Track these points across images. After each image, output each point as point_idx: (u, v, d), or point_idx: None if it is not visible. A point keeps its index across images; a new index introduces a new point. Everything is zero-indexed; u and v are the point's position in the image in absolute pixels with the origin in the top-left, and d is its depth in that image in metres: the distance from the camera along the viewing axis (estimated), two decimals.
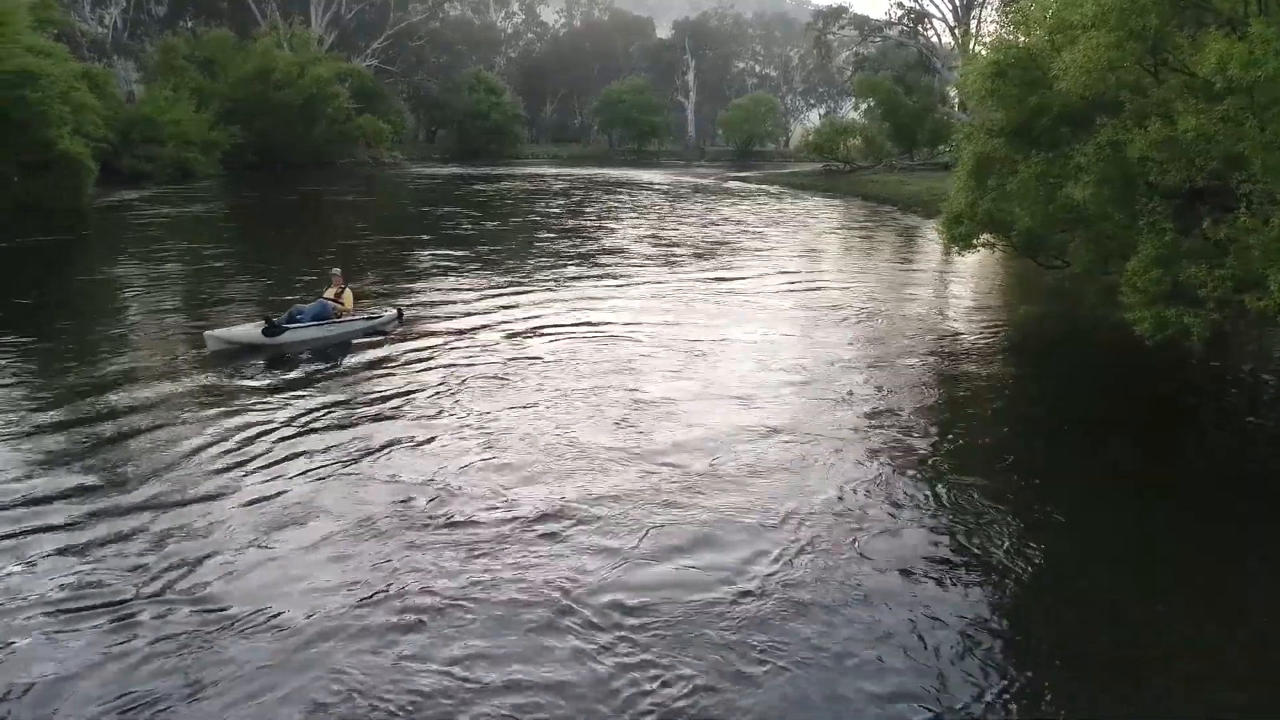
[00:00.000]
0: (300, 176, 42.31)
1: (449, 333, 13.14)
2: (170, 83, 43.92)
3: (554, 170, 55.74)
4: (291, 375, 10.96)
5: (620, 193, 39.50)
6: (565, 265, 19.54)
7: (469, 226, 26.35)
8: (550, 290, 16.47)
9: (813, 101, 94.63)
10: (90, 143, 27.33)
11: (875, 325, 14.30)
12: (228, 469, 7.87)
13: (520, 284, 17.09)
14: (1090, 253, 10.31)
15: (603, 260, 20.29)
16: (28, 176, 24.69)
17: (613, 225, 27.10)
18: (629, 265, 19.68)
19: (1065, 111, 10.42)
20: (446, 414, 9.43)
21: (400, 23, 65.95)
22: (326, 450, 8.35)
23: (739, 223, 28.52)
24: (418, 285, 17.01)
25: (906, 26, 54.26)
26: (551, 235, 24.76)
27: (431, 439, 8.70)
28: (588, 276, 18.12)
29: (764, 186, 45.92)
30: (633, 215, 30.29)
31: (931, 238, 23.63)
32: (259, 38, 49.98)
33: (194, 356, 11.56)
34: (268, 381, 10.60)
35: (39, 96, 24.41)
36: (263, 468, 7.90)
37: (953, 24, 51.02)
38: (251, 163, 43.59)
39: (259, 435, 8.66)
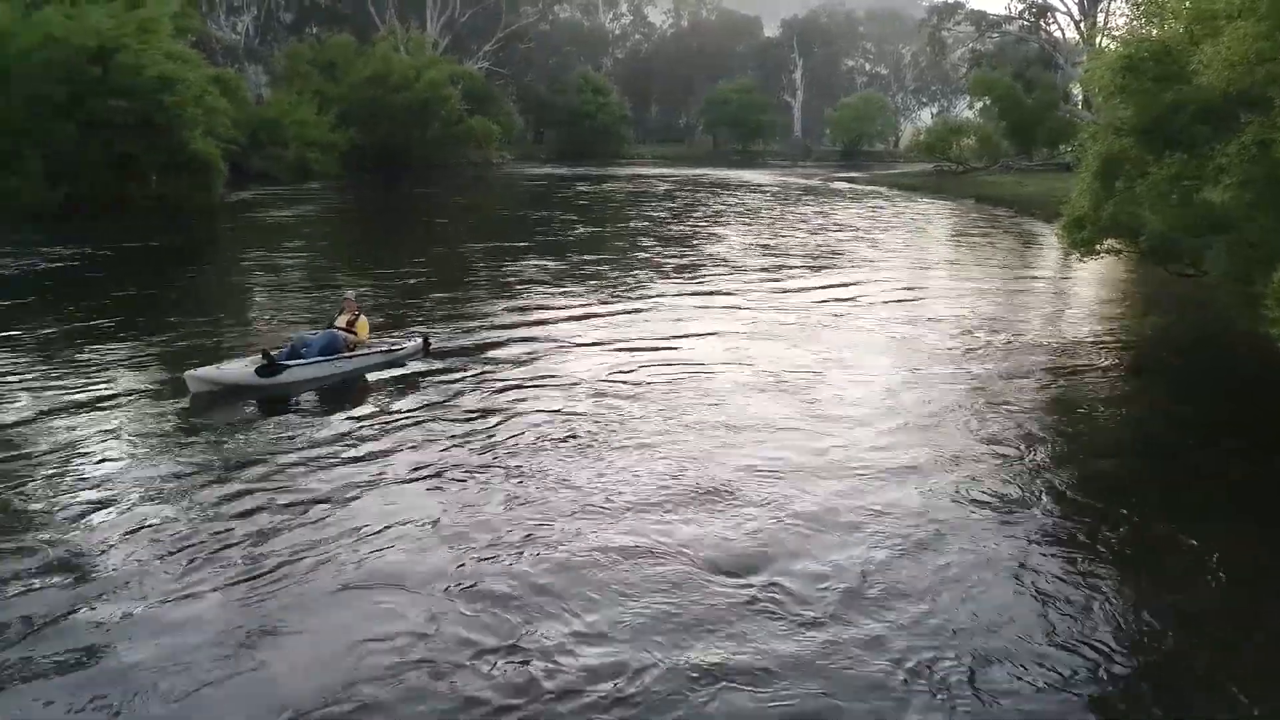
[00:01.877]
0: (412, 177, 43.69)
1: (504, 361, 11.42)
2: (295, 87, 46.13)
3: (658, 171, 55.83)
4: (290, 425, 8.98)
5: (725, 195, 39.13)
6: (662, 276, 18.14)
7: (565, 232, 25.59)
8: (642, 305, 15.08)
9: (924, 100, 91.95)
10: (220, 144, 28.86)
11: (990, 336, 13.23)
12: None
13: (612, 298, 15.64)
14: (1230, 260, 9.53)
15: (703, 270, 19.05)
16: (164, 176, 26.28)
17: (716, 230, 26.37)
18: (730, 275, 18.41)
19: (1204, 108, 9.69)
20: (495, 473, 7.76)
21: (511, 25, 67.36)
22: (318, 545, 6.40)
23: (847, 227, 27.72)
24: (495, 300, 15.44)
25: (1027, 21, 52.00)
26: (651, 242, 23.74)
27: (474, 513, 7.01)
28: (685, 290, 16.68)
29: (872, 188, 44.80)
30: (737, 219, 29.67)
31: (1050, 243, 22.49)
32: (377, 42, 51.93)
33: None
34: (257, 436, 8.68)
35: (176, 101, 25.92)
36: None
37: (1078, 17, 48.56)
38: (367, 163, 45.27)
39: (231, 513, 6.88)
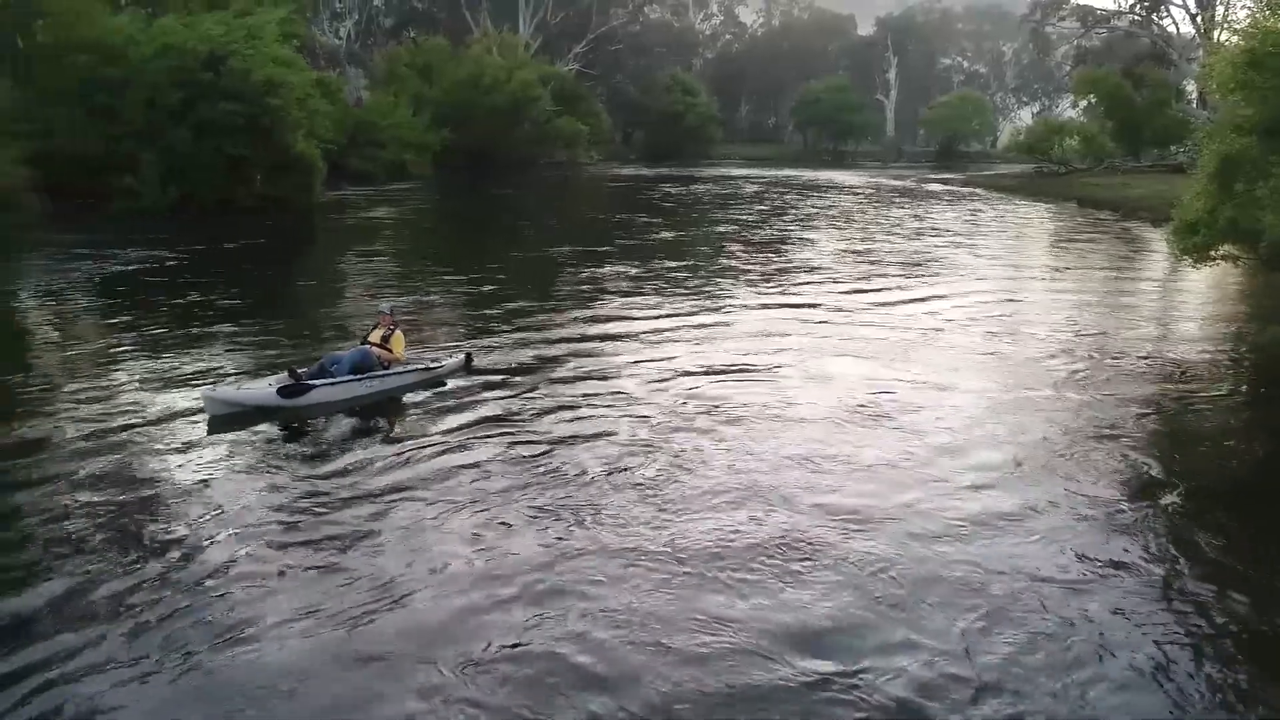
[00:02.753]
0: (501, 177, 44.42)
1: (559, 380, 10.46)
2: (392, 89, 47.50)
3: (747, 171, 55.42)
4: (316, 453, 8.21)
5: (815, 196, 38.50)
6: (746, 285, 17.19)
7: (647, 235, 24.91)
8: (722, 318, 14.10)
9: (1025, 99, 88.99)
10: (321, 145, 29.92)
11: (1094, 353, 12.19)
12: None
13: (690, 309, 14.63)
14: None
15: (789, 278, 17.98)
16: (269, 177, 27.38)
17: (805, 235, 25.58)
18: (818, 284, 17.30)
19: None
20: (539, 514, 6.86)
21: (602, 27, 67.88)
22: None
23: (943, 231, 26.79)
24: (561, 310, 14.59)
25: (1139, 15, 49.63)
26: (736, 247, 22.83)
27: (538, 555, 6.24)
28: (769, 300, 15.66)
29: (969, 189, 43.47)
30: (828, 223, 28.94)
31: (1159, 248, 21.38)
32: (472, 45, 53.05)
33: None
34: (272, 464, 7.93)
35: (281, 104, 26.98)
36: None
37: (1194, 10, 46.03)
38: (458, 163, 46.27)
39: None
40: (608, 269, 18.83)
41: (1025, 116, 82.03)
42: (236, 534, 6.44)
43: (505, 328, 13.17)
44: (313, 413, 9.06)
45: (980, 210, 33.85)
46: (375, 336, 10.16)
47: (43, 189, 22.36)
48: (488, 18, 59.86)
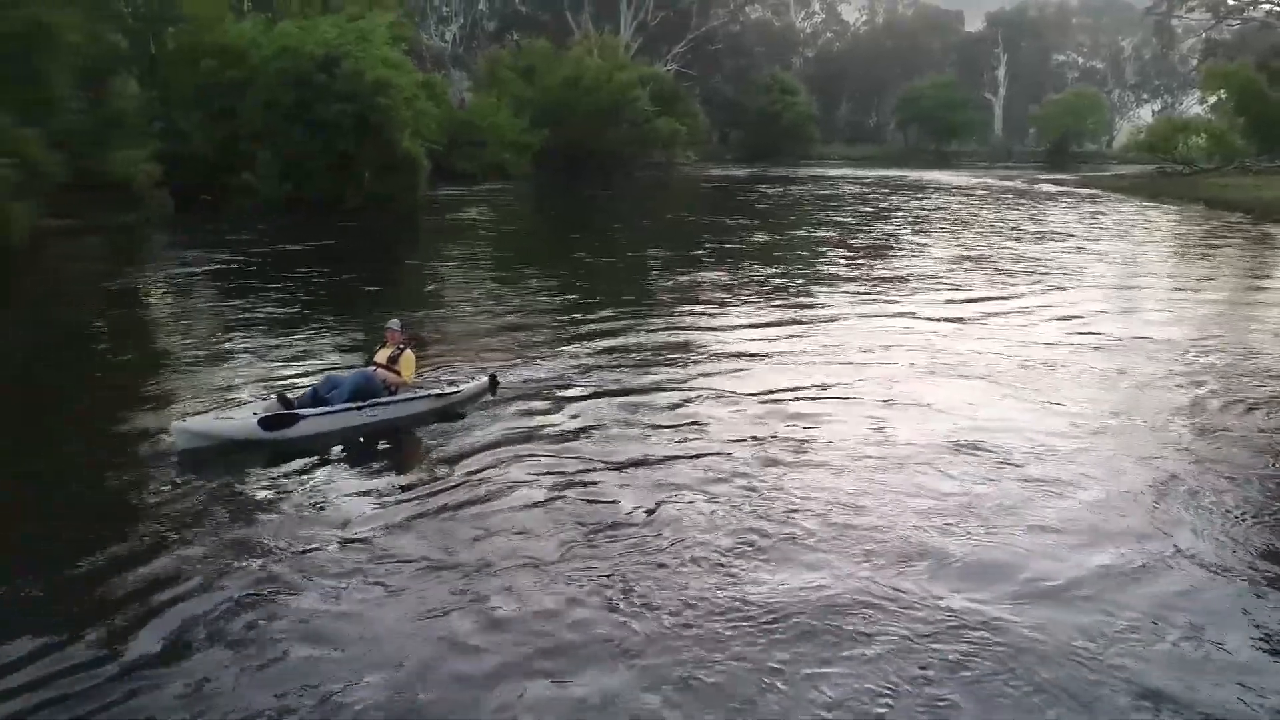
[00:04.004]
0: (598, 177, 44.70)
1: (615, 406, 9.12)
2: (494, 90, 48.40)
3: (846, 171, 54.33)
4: (294, 495, 6.91)
5: (921, 197, 37.30)
6: (844, 292, 15.88)
7: (740, 237, 23.77)
8: (816, 330, 12.91)
9: (1145, 96, 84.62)
10: (425, 144, 30.68)
11: (1226, 373, 10.94)
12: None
13: (780, 320, 13.42)
14: None
15: (893, 285, 16.73)
16: (376, 175, 28.22)
17: (913, 238, 24.29)
18: (926, 291, 16.10)
19: None
20: (574, 579, 5.68)
21: (701, 27, 67.66)
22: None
23: (1062, 234, 25.36)
24: (636, 319, 13.48)
25: (1277, 5, 46.39)
26: (835, 251, 21.37)
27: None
28: (869, 309, 14.41)
29: (1087, 190, 41.42)
30: (936, 225, 27.67)
31: None
32: (573, 47, 53.62)
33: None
34: (244, 509, 6.68)
35: (389, 104, 27.77)
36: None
37: None
38: (557, 163, 46.79)
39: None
40: (694, 275, 17.87)
41: (1145, 114, 77.96)
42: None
43: (564, 342, 11.87)
44: (302, 446, 7.70)
45: (1101, 213, 32.14)
46: (382, 356, 8.77)
47: (168, 186, 23.57)
48: (589, 20, 60.42)
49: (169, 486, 6.96)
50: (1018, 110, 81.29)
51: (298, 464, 7.45)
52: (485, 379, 9.34)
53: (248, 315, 13.32)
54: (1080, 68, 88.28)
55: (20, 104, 18.25)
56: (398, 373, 8.66)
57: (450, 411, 8.78)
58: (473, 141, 42.38)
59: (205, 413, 8.09)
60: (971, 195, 38.85)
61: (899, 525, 6.46)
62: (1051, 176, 50.11)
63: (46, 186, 18.04)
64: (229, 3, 32.89)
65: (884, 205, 33.81)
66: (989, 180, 47.98)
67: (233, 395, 9.20)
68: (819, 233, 25.79)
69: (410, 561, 5.88)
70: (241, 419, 7.79)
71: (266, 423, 7.69)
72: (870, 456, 7.80)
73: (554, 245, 23.86)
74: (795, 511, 6.67)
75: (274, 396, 8.15)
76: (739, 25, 74.05)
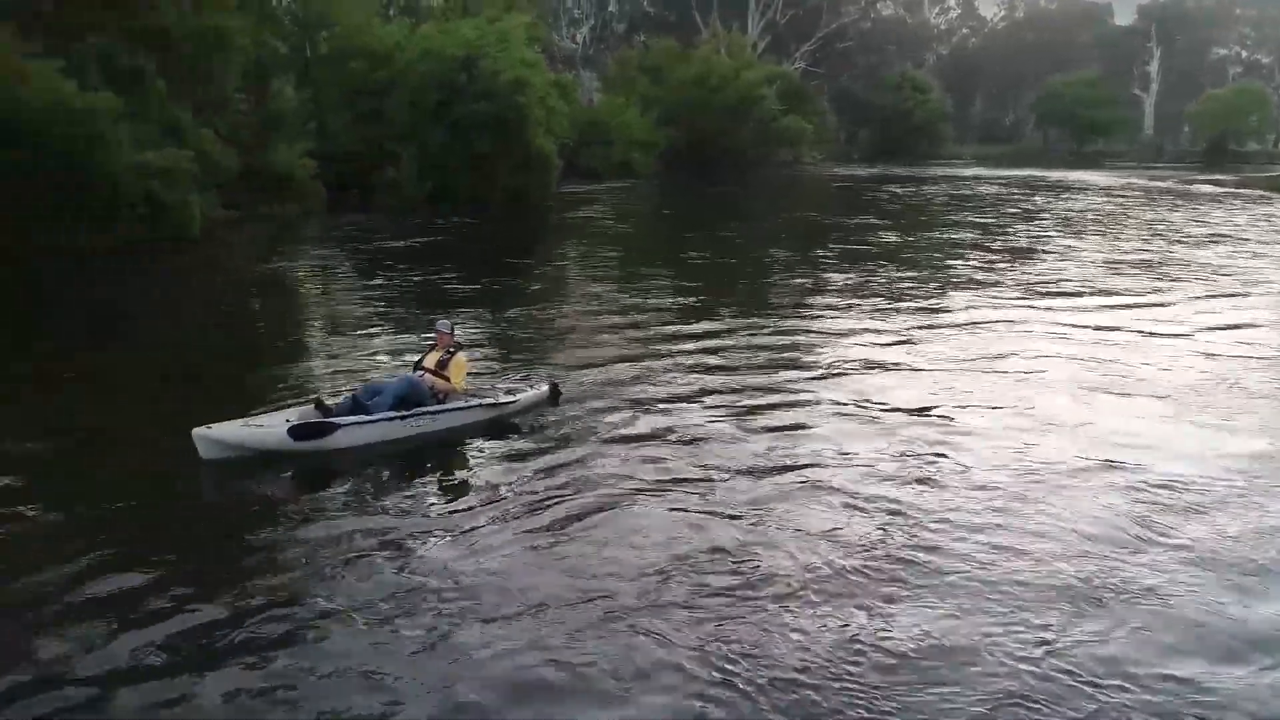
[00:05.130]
0: (723, 176, 44.55)
1: (701, 422, 8.12)
2: (622, 90, 49.03)
3: (980, 171, 52.24)
4: (330, 516, 6.23)
5: (1066, 198, 35.28)
6: (986, 299, 14.57)
7: (865, 238, 22.62)
8: (945, 344, 11.47)
9: None
10: (558, 142, 31.38)
11: None
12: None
13: (903, 329, 12.24)
14: None
15: (1042, 291, 15.26)
16: (512, 172, 29.08)
17: (1062, 241, 22.46)
18: (1078, 296, 14.74)
19: None
20: (651, 625, 4.94)
21: (831, 24, 66.54)
22: None
23: (1225, 238, 23.12)
24: (749, 324, 12.56)
25: None
26: (974, 254, 19.81)
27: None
28: (1016, 318, 12.99)
29: (1250, 191, 38.37)
30: (1086, 228, 25.64)
31: None
32: (700, 46, 53.70)
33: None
34: (277, 533, 6.03)
35: (525, 102, 28.54)
36: None
37: None
38: (682, 162, 46.96)
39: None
40: (816, 276, 16.87)
41: None
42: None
43: (657, 346, 11.02)
44: (338, 459, 7.07)
45: (1274, 215, 29.66)
46: (430, 360, 8.02)
47: (321, 182, 24.97)
48: (717, 19, 60.34)
49: (190, 498, 6.54)
50: (1170, 107, 76.29)
51: (329, 480, 6.76)
52: (546, 386, 8.55)
53: (369, 308, 13.66)
54: (1243, 61, 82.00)
55: (199, 103, 19.72)
56: (447, 379, 7.85)
57: (506, 423, 7.96)
58: (601, 140, 43.05)
59: (233, 419, 7.07)
60: (1123, 196, 36.62)
61: (1050, 561, 5.65)
62: (1209, 177, 46.73)
63: (219, 179, 19.45)
64: (376, 7, 34.58)
65: (1026, 206, 32.21)
66: (1139, 180, 45.16)
67: (332, 385, 9.04)
68: (955, 234, 24.29)
69: (461, 600, 5.15)
70: (271, 427, 7.01)
71: (298, 432, 6.95)
72: (1014, 480, 6.93)
73: (669, 244, 23.25)
74: (927, 544, 5.86)
75: (311, 403, 7.42)
76: (870, 22, 72.43)
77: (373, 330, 12.09)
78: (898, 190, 38.96)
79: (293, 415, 7.26)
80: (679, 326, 12.21)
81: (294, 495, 6.64)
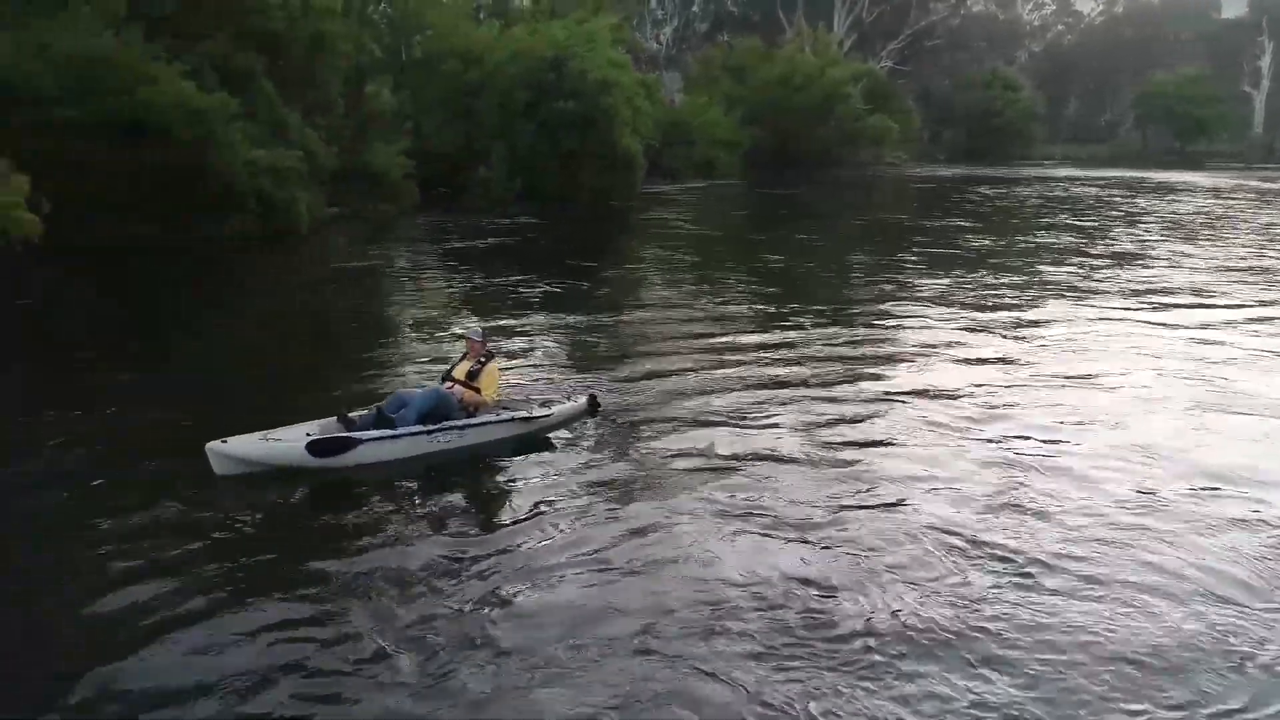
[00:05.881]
0: (805, 175, 44.17)
1: (786, 435, 7.73)
2: (705, 90, 49.02)
3: (1074, 172, 50.54)
4: (352, 539, 5.93)
5: (1169, 200, 33.68)
6: (1085, 307, 13.65)
7: (957, 241, 21.59)
8: (1045, 352, 10.93)
9: None
10: (643, 142, 31.60)
11: None
12: None
13: (1005, 336, 11.65)
14: None
15: (1146, 299, 14.29)
16: (598, 170, 29.46)
17: (1166, 245, 20.86)
18: (1187, 307, 13.78)
19: None
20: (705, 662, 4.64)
21: (920, 22, 65.22)
22: None
23: None
24: (823, 328, 12.05)
25: None
26: (1072, 259, 18.74)
27: None
28: (1119, 330, 12.14)
29: None
30: (1192, 231, 24.10)
31: None
32: (785, 45, 53.31)
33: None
34: (292, 553, 5.78)
35: (611, 102, 28.85)
36: None
37: None
38: (765, 161, 46.68)
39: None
40: (898, 283, 16.05)
41: None
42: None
43: (717, 355, 10.53)
44: (359, 476, 6.75)
45: None
46: (460, 371, 7.61)
47: (416, 180, 25.72)
48: (802, 17, 59.78)
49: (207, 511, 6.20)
50: None
51: (348, 499, 6.44)
52: (584, 399, 8.14)
53: (443, 307, 13.87)
54: None
55: (305, 105, 20.57)
56: (478, 390, 7.44)
57: (539, 438, 7.59)
58: (684, 140, 43.15)
59: (248, 433, 6.71)
60: (1233, 198, 34.90)
61: (1175, 619, 5.07)
62: None
63: (323, 177, 20.28)
64: (468, 11, 35.39)
65: (1127, 208, 30.87)
66: (1251, 182, 43.00)
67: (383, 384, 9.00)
68: (1050, 238, 23.06)
69: (493, 648, 4.71)
70: (289, 442, 6.68)
71: (317, 448, 6.64)
72: (1121, 514, 6.33)
73: (745, 247, 22.70)
74: (1029, 591, 5.26)
75: (335, 416, 7.05)
76: (959, 19, 70.71)
77: (441, 332, 12.05)
78: (987, 191, 37.98)
79: (314, 428, 6.91)
80: (745, 336, 11.64)
81: (311, 514, 6.39)
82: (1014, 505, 6.49)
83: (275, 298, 14.71)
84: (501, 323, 12.23)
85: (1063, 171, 51.24)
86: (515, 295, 14.53)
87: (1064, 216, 28.41)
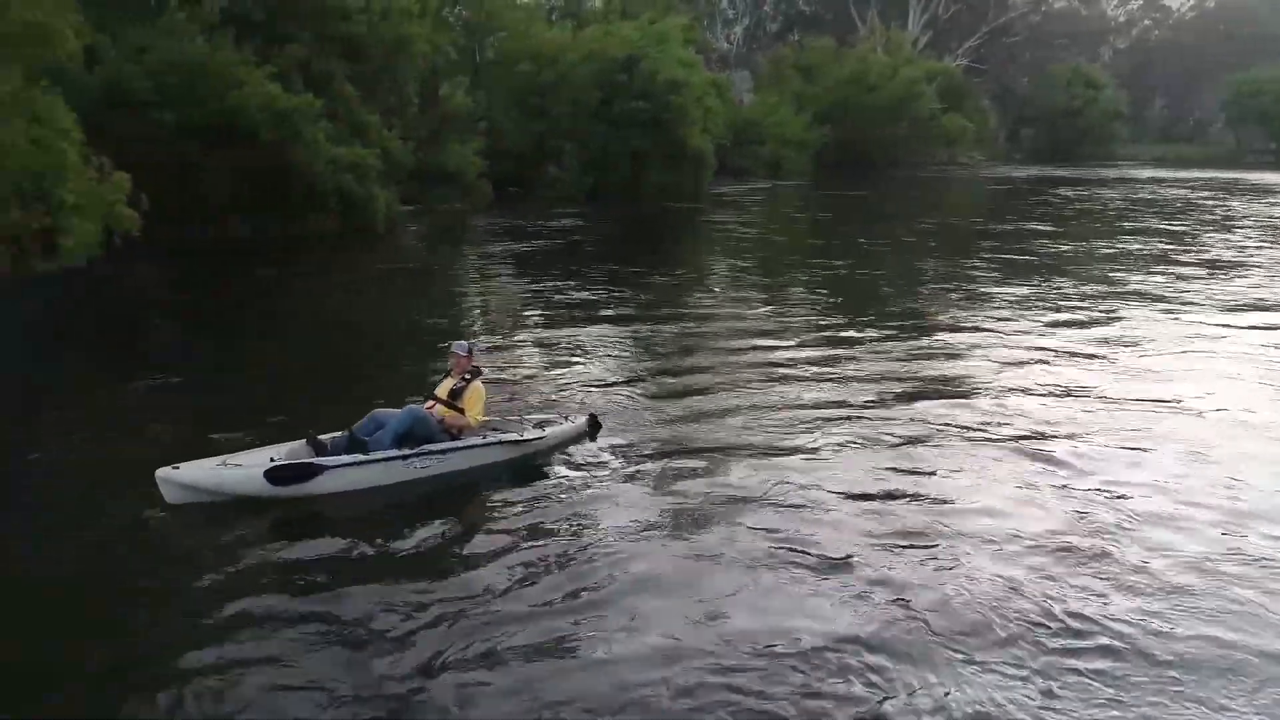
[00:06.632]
0: (876, 176, 43.52)
1: (776, 467, 6.96)
2: (775, 89, 48.71)
3: (1160, 173, 48.68)
4: (317, 575, 5.36)
5: (1270, 203, 32.08)
6: (1179, 319, 12.71)
7: (1034, 246, 20.67)
8: (1137, 363, 10.18)
9: None
10: (713, 141, 31.60)
11: None
12: None
13: (1087, 352, 10.72)
14: None
15: (1246, 311, 13.28)
16: (667, 169, 29.59)
17: (1268, 252, 19.88)
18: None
19: None
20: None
21: (998, 19, 63.66)
22: None
23: None
24: (879, 339, 11.30)
25: None
26: (1160, 266, 17.60)
27: None
28: (1218, 347, 11.14)
29: None
30: None
31: None
32: (857, 44, 52.62)
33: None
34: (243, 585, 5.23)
35: (682, 101, 28.92)
36: None
37: None
38: (834, 161, 46.14)
39: None
40: (968, 292, 15.05)
41: None
42: None
43: (755, 371, 9.75)
44: (325, 506, 6.12)
45: None
46: (443, 389, 6.95)
47: (489, 178, 26.18)
48: (875, 16, 58.90)
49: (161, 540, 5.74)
50: None
51: (313, 532, 5.81)
52: (584, 419, 7.48)
53: (503, 308, 13.86)
54: None
55: (384, 106, 21.11)
56: (461, 411, 6.78)
57: (532, 463, 6.89)
58: (753, 139, 42.96)
59: (202, 459, 6.10)
60: None
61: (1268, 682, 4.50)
62: None
63: (400, 176, 20.81)
64: (542, 13, 35.86)
65: (1221, 213, 29.11)
66: None
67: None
68: (1135, 244, 21.40)
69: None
70: (248, 468, 6.05)
71: (277, 475, 6.00)
72: (1215, 559, 5.67)
73: (806, 251, 21.76)
74: (1122, 657, 4.65)
75: (304, 439, 6.39)
76: (1040, 15, 68.76)
77: (495, 334, 11.90)
78: (1066, 193, 36.85)
79: (280, 452, 6.27)
80: (789, 352, 10.66)
81: (262, 551, 5.60)
82: (1084, 553, 5.74)
83: (348, 293, 15.08)
84: (532, 329, 11.94)
85: (1148, 172, 49.43)
86: (555, 299, 14.06)
87: (1151, 220, 27.15)
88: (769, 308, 13.71)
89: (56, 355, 10.67)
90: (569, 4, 40.28)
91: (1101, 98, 61.96)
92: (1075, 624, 4.92)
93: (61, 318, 12.27)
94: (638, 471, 6.85)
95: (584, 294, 14.51)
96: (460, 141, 25.37)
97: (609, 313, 13.01)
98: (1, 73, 9.20)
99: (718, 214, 28.84)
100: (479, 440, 6.82)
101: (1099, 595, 5.24)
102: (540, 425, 7.26)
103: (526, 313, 13.31)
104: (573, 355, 10.57)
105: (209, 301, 13.85)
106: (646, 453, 7.21)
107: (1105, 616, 5.01)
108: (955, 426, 7.96)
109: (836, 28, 60.44)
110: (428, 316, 13.49)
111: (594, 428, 7.50)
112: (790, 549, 5.64)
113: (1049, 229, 24.92)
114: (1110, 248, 21.01)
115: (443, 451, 6.61)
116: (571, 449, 7.22)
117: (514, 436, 6.95)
